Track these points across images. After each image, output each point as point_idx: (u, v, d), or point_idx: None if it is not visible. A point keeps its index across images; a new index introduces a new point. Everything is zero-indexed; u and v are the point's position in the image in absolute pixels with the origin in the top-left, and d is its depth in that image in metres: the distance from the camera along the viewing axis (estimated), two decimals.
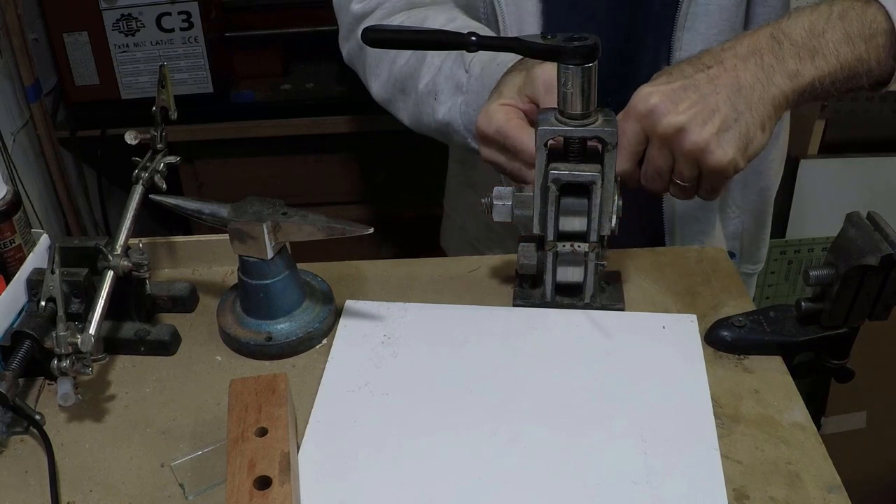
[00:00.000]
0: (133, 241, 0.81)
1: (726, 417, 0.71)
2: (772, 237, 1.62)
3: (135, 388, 0.77)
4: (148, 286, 0.84)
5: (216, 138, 1.73)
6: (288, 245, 0.79)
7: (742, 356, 0.77)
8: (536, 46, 0.71)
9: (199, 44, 1.64)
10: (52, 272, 0.74)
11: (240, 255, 0.78)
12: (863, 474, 1.74)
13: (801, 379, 0.76)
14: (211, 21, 1.65)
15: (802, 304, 0.76)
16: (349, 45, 1.04)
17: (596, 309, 0.83)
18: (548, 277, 0.82)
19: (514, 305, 0.84)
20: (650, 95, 0.73)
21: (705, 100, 0.72)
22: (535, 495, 0.65)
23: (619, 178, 0.76)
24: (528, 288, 0.85)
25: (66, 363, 0.69)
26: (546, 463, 0.67)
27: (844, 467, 0.66)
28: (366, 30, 0.76)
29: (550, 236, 0.78)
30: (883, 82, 0.77)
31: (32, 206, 1.64)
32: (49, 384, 0.78)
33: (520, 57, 0.81)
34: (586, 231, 0.78)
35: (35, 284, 0.81)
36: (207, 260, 0.92)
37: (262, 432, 0.65)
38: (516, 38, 0.72)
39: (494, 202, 0.79)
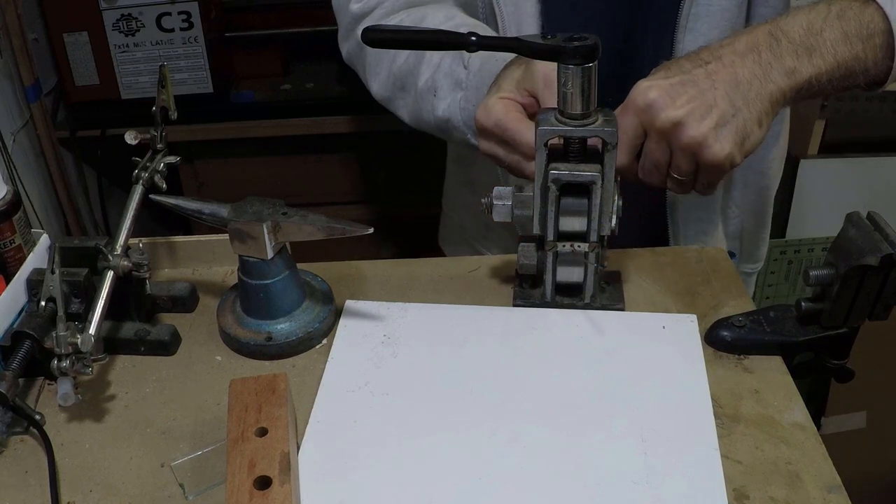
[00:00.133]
0: (133, 241, 0.81)
1: (726, 417, 0.71)
2: (772, 237, 1.62)
3: (135, 388, 0.77)
4: (148, 286, 0.84)
5: (216, 138, 1.72)
6: (288, 245, 0.79)
7: (742, 356, 0.77)
8: (536, 46, 0.71)
9: (199, 44, 1.64)
10: (52, 272, 0.74)
11: (240, 255, 0.78)
12: (863, 474, 1.74)
13: (801, 379, 0.76)
14: (211, 21, 1.65)
15: (802, 304, 0.76)
16: (349, 44, 1.04)
17: (596, 309, 0.83)
18: (548, 277, 0.82)
19: (514, 305, 0.84)
20: (648, 90, 0.73)
21: (703, 95, 0.73)
22: (535, 495, 0.65)
23: (619, 178, 0.76)
24: (528, 288, 0.85)
25: (66, 363, 0.69)
26: (546, 463, 0.67)
27: (844, 467, 0.66)
28: (366, 30, 0.76)
29: (550, 236, 0.78)
30: (879, 82, 0.78)
31: (32, 206, 1.64)
32: (49, 384, 0.78)
33: None
34: (586, 231, 0.78)
35: (35, 284, 0.81)
36: (207, 260, 0.92)
37: (262, 432, 0.65)
38: (516, 38, 0.72)
39: (494, 202, 0.79)
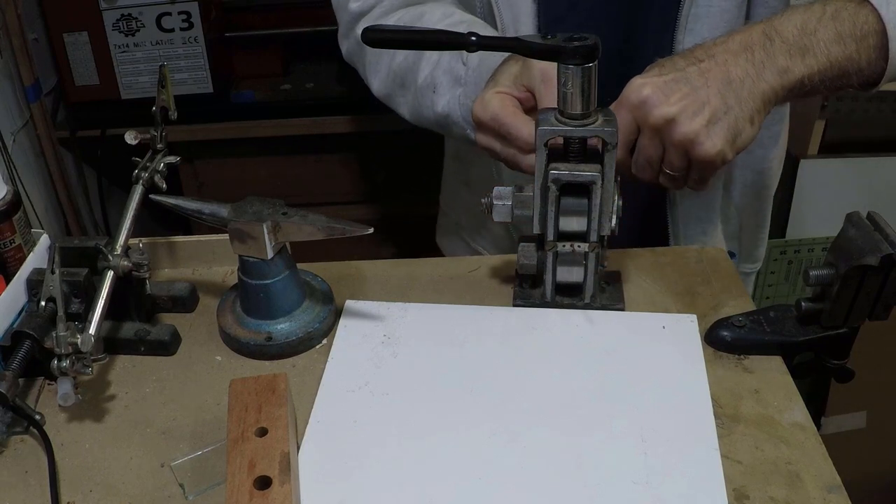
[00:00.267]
0: (133, 241, 0.81)
1: (726, 417, 0.71)
2: (772, 237, 1.62)
3: (135, 388, 0.77)
4: (148, 286, 0.84)
5: (216, 138, 1.72)
6: (288, 245, 0.79)
7: (742, 356, 0.77)
8: (536, 46, 0.72)
9: (199, 44, 1.64)
10: (52, 272, 0.74)
11: (240, 255, 0.78)
12: (863, 474, 1.74)
13: (801, 379, 0.76)
14: (211, 21, 1.65)
15: (802, 304, 0.76)
16: (348, 42, 1.04)
17: (596, 309, 0.83)
18: (548, 277, 0.82)
19: (514, 305, 0.84)
20: (642, 87, 0.74)
21: (696, 92, 0.73)
22: (535, 495, 0.65)
23: (619, 178, 0.76)
24: (528, 288, 0.85)
25: (66, 363, 0.69)
26: (546, 463, 0.67)
27: (844, 467, 0.66)
28: (365, 30, 0.77)
29: (550, 236, 0.79)
30: (873, 82, 0.79)
31: (32, 206, 1.64)
32: (49, 384, 0.78)
33: None
34: (586, 231, 0.78)
35: (35, 284, 0.81)
36: (207, 260, 0.92)
37: (262, 432, 0.65)
38: (516, 38, 0.73)
39: (494, 202, 0.79)
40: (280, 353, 0.79)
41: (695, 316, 0.81)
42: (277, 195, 0.78)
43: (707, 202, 1.02)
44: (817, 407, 0.76)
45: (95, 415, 0.74)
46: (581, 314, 0.82)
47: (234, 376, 0.71)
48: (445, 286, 0.88)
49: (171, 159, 0.84)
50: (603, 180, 0.74)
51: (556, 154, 0.75)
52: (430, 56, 0.94)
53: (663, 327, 0.80)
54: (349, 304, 0.85)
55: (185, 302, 0.86)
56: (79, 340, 0.69)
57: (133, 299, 0.82)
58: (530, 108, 0.82)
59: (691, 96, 0.73)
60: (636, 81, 0.75)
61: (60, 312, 0.70)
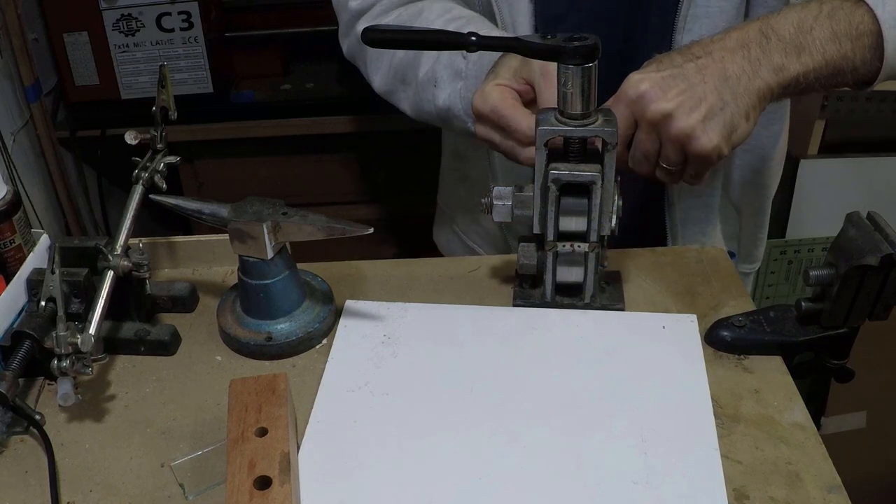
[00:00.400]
0: (133, 241, 0.81)
1: (726, 417, 0.71)
2: (772, 237, 1.62)
3: (135, 388, 0.77)
4: (148, 286, 0.84)
5: (216, 138, 1.72)
6: (288, 245, 0.79)
7: (742, 356, 0.77)
8: (536, 46, 0.72)
9: (199, 44, 1.64)
10: (52, 272, 0.74)
11: (240, 255, 0.78)
12: (863, 474, 1.74)
13: (801, 379, 0.76)
14: (211, 21, 1.65)
15: (802, 304, 0.76)
16: (349, 40, 1.04)
17: (596, 309, 0.83)
18: (548, 277, 0.82)
19: (514, 305, 0.84)
20: (640, 82, 0.75)
21: (693, 88, 0.74)
22: (535, 495, 0.65)
23: (618, 178, 0.76)
24: (528, 288, 0.85)
25: (66, 363, 0.69)
26: (546, 463, 0.67)
27: (844, 467, 0.66)
28: (366, 30, 0.77)
29: (550, 236, 0.79)
30: (868, 81, 0.80)
31: (32, 206, 1.64)
32: (49, 384, 0.78)
33: None
34: (586, 231, 0.78)
35: (35, 284, 0.81)
36: (207, 260, 0.92)
37: (262, 432, 0.65)
38: (516, 38, 0.73)
39: (494, 202, 0.79)
40: (280, 353, 0.79)
41: (695, 316, 0.81)
42: (277, 195, 0.78)
43: (706, 203, 1.02)
44: (817, 407, 0.76)
45: (95, 415, 0.74)
46: (581, 314, 0.82)
47: (234, 376, 0.71)
48: (445, 286, 0.88)
49: (171, 159, 0.84)
50: (603, 180, 0.74)
51: (556, 154, 0.75)
52: (431, 51, 0.94)
53: (663, 327, 0.80)
54: (349, 304, 0.85)
55: (185, 302, 0.86)
56: (79, 340, 0.69)
57: (133, 299, 0.82)
58: (529, 100, 0.82)
59: (688, 92, 0.74)
60: (634, 77, 0.76)
61: (60, 312, 0.70)
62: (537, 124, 0.74)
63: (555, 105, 0.74)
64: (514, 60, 0.84)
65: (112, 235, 0.79)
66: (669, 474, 0.65)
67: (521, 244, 0.82)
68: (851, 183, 1.70)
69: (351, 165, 1.82)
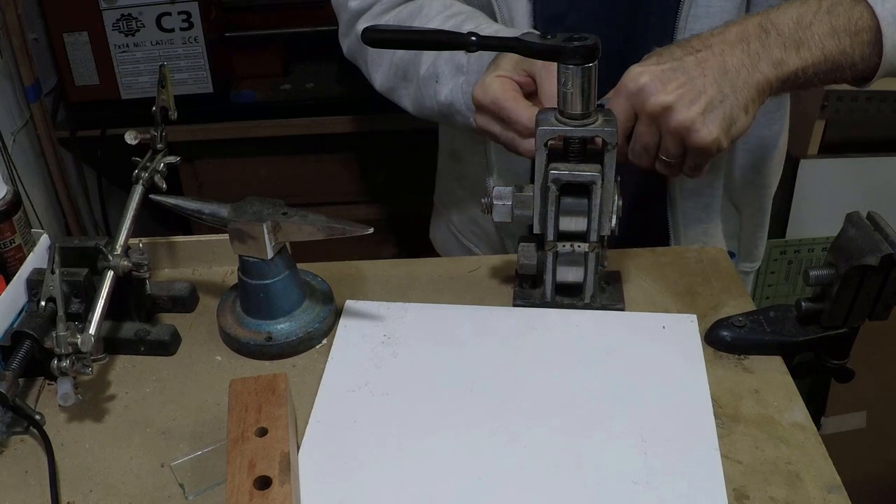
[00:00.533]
0: (133, 241, 0.81)
1: (726, 417, 0.71)
2: (772, 237, 1.62)
3: (135, 388, 0.77)
4: (148, 286, 0.84)
5: (216, 138, 1.72)
6: (288, 245, 0.79)
7: (742, 356, 0.77)
8: (536, 46, 0.72)
9: (199, 44, 1.64)
10: (52, 272, 0.74)
11: (240, 255, 0.78)
12: (863, 474, 1.74)
13: (801, 379, 0.76)
14: (211, 21, 1.65)
15: (802, 304, 0.76)
16: (349, 39, 1.05)
17: (596, 309, 0.83)
18: (548, 277, 0.82)
19: (514, 305, 0.84)
20: (640, 75, 0.75)
21: (693, 81, 0.75)
22: (535, 495, 0.65)
23: (619, 178, 0.76)
24: (528, 288, 0.85)
25: (66, 363, 0.69)
26: (546, 463, 0.67)
27: (844, 467, 0.66)
28: (366, 30, 0.77)
29: (550, 236, 0.79)
30: (866, 77, 0.80)
31: (32, 206, 1.64)
32: (49, 384, 0.78)
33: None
34: (586, 231, 0.78)
35: (35, 284, 0.81)
36: (207, 260, 0.92)
37: (262, 432, 0.65)
38: (516, 38, 0.73)
39: (494, 202, 0.79)
40: (280, 353, 0.79)
41: (695, 316, 0.81)
42: (277, 195, 0.78)
43: (707, 203, 1.02)
44: (817, 407, 0.76)
45: (95, 415, 0.74)
46: (581, 314, 0.82)
47: (234, 376, 0.71)
48: (445, 286, 0.88)
49: (171, 159, 0.84)
50: (603, 180, 0.74)
51: (556, 154, 0.75)
52: None
53: (663, 327, 0.80)
54: (349, 304, 0.85)
55: (185, 302, 0.86)
56: (79, 340, 0.69)
57: (133, 299, 0.82)
58: (530, 92, 0.83)
59: (688, 85, 0.75)
60: (634, 70, 0.76)
61: (60, 312, 0.70)
62: (537, 124, 0.74)
63: (555, 97, 0.74)
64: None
65: (112, 235, 0.79)
66: (669, 474, 0.65)
67: (521, 244, 0.82)
68: (851, 183, 1.70)
69: (351, 165, 1.82)
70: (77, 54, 1.63)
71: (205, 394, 0.76)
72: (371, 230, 0.75)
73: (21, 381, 0.74)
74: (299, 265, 0.83)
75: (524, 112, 0.79)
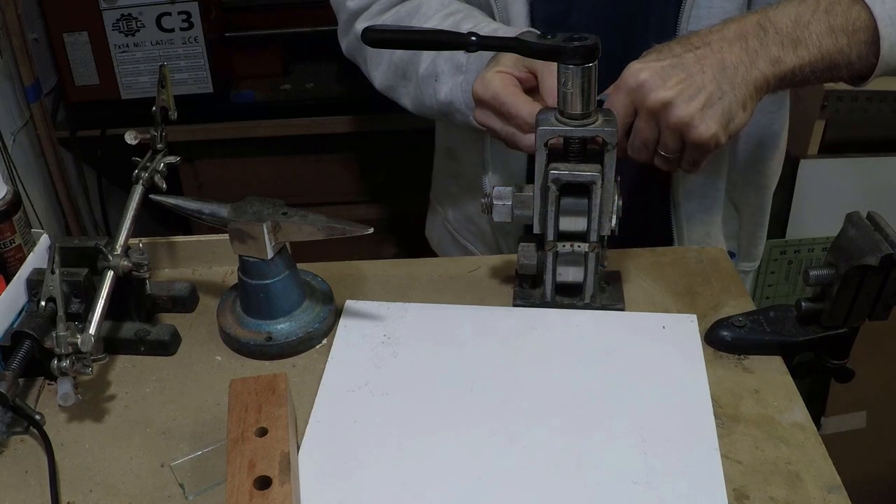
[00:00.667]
0: (133, 241, 0.81)
1: (726, 417, 0.71)
2: (772, 237, 1.62)
3: (135, 388, 0.77)
4: (148, 286, 0.84)
5: (216, 138, 1.72)
6: (288, 245, 0.79)
7: (742, 356, 0.77)
8: (536, 46, 0.72)
9: (199, 44, 1.64)
10: (52, 272, 0.74)
11: (240, 255, 0.78)
12: (863, 474, 1.74)
13: (801, 379, 0.76)
14: (211, 21, 1.65)
15: (802, 304, 0.76)
16: (348, 38, 1.05)
17: (596, 309, 0.83)
18: (548, 277, 0.82)
19: (514, 305, 0.84)
20: (640, 71, 0.76)
21: (692, 78, 0.75)
22: (535, 495, 0.65)
23: (619, 178, 0.77)
24: (528, 288, 0.85)
25: (66, 363, 0.69)
26: (546, 463, 0.67)
27: (844, 467, 0.66)
28: (366, 30, 0.77)
29: (550, 236, 0.79)
30: (863, 76, 0.81)
31: (32, 206, 1.64)
32: (49, 384, 0.78)
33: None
34: (586, 231, 0.78)
35: (35, 284, 0.81)
36: (207, 260, 0.92)
37: (262, 432, 0.65)
38: (516, 38, 0.73)
39: (494, 202, 0.79)
40: (280, 353, 0.79)
41: (695, 316, 0.81)
42: (277, 195, 0.78)
43: (709, 205, 1.02)
44: (817, 407, 0.76)
45: (95, 415, 0.74)
46: (581, 314, 0.82)
47: (234, 376, 0.71)
48: (445, 286, 0.88)
49: (171, 159, 0.84)
50: (603, 180, 0.74)
51: (556, 154, 0.75)
52: None
53: (663, 327, 0.80)
54: (349, 304, 0.85)
55: (185, 302, 0.86)
56: (79, 340, 0.69)
57: (133, 299, 0.82)
58: (530, 88, 0.83)
59: (687, 81, 0.75)
60: (634, 66, 0.77)
61: (60, 312, 0.70)
62: (537, 124, 0.74)
63: (556, 92, 0.74)
64: None
65: (112, 235, 0.79)
66: (669, 474, 0.65)
67: (521, 244, 0.82)
68: (851, 183, 1.70)
69: (351, 165, 1.82)
70: (77, 54, 1.63)
71: (205, 394, 0.76)
72: (371, 230, 0.75)
73: (21, 381, 0.74)
74: (299, 265, 0.83)
75: (525, 107, 0.79)
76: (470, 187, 1.10)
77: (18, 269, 0.81)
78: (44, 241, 0.85)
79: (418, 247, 1.28)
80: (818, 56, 0.77)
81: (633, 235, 0.88)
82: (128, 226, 0.79)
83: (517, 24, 0.93)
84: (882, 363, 1.60)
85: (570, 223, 0.78)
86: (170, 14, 1.61)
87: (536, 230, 0.79)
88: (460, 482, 0.66)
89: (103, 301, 0.74)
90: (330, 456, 0.68)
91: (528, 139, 0.80)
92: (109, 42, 1.62)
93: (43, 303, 0.75)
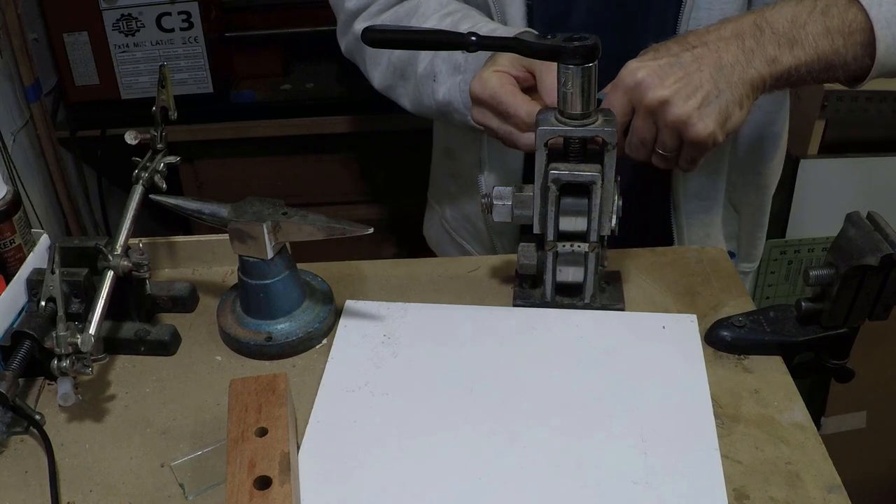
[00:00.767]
0: (133, 241, 0.81)
1: (726, 417, 0.71)
2: (772, 237, 1.62)
3: (135, 388, 0.77)
4: (148, 286, 0.84)
5: (216, 138, 1.72)
6: (288, 245, 0.79)
7: (742, 356, 0.77)
8: (536, 46, 0.72)
9: (199, 44, 1.64)
10: (52, 272, 0.74)
11: (240, 255, 0.78)
12: (863, 474, 1.74)
13: (801, 379, 0.76)
14: (211, 21, 1.65)
15: (802, 304, 0.76)
16: (347, 38, 1.05)
17: (596, 309, 0.83)
18: (548, 277, 0.82)
19: (514, 305, 0.84)
20: (638, 70, 0.76)
21: (689, 77, 0.76)
22: (535, 495, 0.65)
23: (618, 178, 0.77)
24: (528, 288, 0.85)
25: (66, 363, 0.69)
26: (546, 463, 0.67)
27: (844, 467, 0.67)
28: (366, 30, 0.77)
29: (550, 236, 0.79)
30: (859, 77, 0.82)
31: (32, 206, 1.64)
32: (49, 384, 0.78)
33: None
34: (586, 231, 0.78)
35: (35, 284, 0.81)
36: (207, 260, 0.92)
37: (262, 432, 0.65)
38: (516, 38, 0.73)
39: (494, 202, 0.79)
40: (280, 353, 0.79)
41: (695, 316, 0.81)
42: (277, 195, 0.78)
43: (710, 206, 1.03)
44: (817, 407, 0.76)
45: (95, 415, 0.74)
46: (581, 314, 0.82)
47: (234, 376, 0.71)
48: (445, 286, 0.88)
49: (171, 159, 0.84)
50: (603, 180, 0.74)
51: (556, 154, 0.75)
52: None
53: (663, 327, 0.80)
54: (349, 304, 0.85)
55: (185, 302, 0.86)
56: (79, 340, 0.69)
57: (133, 299, 0.82)
58: (527, 87, 0.83)
59: (685, 80, 0.75)
60: (632, 65, 0.77)
61: (60, 312, 0.70)
62: (537, 124, 0.74)
63: (555, 91, 0.74)
64: None
65: (112, 235, 0.79)
66: (669, 474, 0.65)
67: (521, 244, 0.82)
68: (851, 183, 1.70)
69: (351, 165, 1.82)
70: (77, 54, 1.63)
71: (205, 394, 0.76)
72: (371, 230, 0.75)
73: (21, 381, 0.74)
74: (299, 265, 0.83)
75: (523, 106, 0.80)
76: (468, 186, 1.10)
77: (18, 269, 0.81)
78: (44, 241, 0.85)
79: (418, 247, 1.28)
80: (814, 56, 0.78)
81: (633, 235, 0.88)
82: (128, 226, 0.79)
83: (515, 25, 0.93)
84: (882, 363, 1.60)
85: (570, 223, 0.78)
86: (170, 14, 1.61)
87: (536, 230, 0.79)
88: (460, 482, 0.66)
89: (103, 301, 0.74)
90: (330, 456, 0.68)
91: (527, 138, 0.80)
92: (109, 42, 1.62)
93: (43, 303, 0.75)
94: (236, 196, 0.79)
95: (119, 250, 0.77)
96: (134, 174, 0.81)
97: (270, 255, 0.77)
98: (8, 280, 0.81)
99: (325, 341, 0.81)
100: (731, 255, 1.09)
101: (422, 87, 0.96)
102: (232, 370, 0.78)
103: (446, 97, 0.93)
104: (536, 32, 0.76)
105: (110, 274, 0.76)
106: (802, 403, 0.72)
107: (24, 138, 1.67)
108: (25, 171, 1.65)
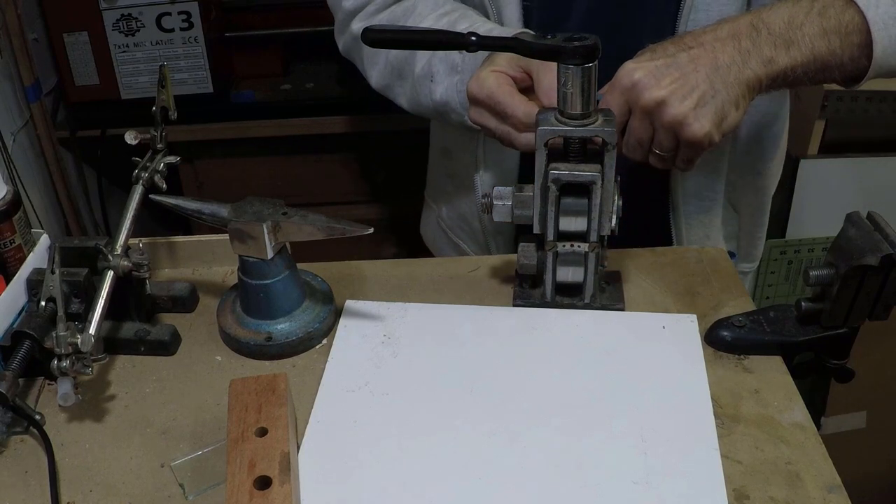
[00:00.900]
0: (133, 241, 0.81)
1: (726, 417, 0.71)
2: (772, 237, 1.62)
3: (135, 388, 0.77)
4: (148, 286, 0.84)
5: (216, 138, 1.72)
6: (288, 245, 0.79)
7: (742, 356, 0.77)
8: (536, 46, 0.73)
9: (199, 44, 1.64)
10: (52, 272, 0.74)
11: (240, 255, 0.78)
12: (863, 474, 1.74)
13: (801, 379, 0.76)
14: (211, 21, 1.65)
15: (802, 304, 0.76)
16: (344, 37, 1.05)
17: (596, 309, 0.83)
18: (548, 277, 0.82)
19: (514, 305, 0.84)
20: (634, 70, 0.77)
21: (686, 77, 0.76)
22: (535, 495, 0.65)
23: (618, 178, 0.77)
24: (528, 288, 0.85)
25: (66, 363, 0.69)
26: (546, 463, 0.67)
27: (844, 467, 0.67)
28: (366, 30, 0.77)
29: (550, 236, 0.79)
30: (856, 78, 0.82)
31: (32, 206, 1.64)
32: (49, 384, 0.78)
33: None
34: (586, 231, 0.78)
35: (35, 284, 0.81)
36: (207, 260, 0.92)
37: (262, 432, 0.65)
38: (515, 38, 0.74)
39: (494, 202, 0.79)
40: (280, 353, 0.79)
41: (695, 316, 0.81)
42: (277, 195, 0.78)
43: (709, 206, 1.03)
44: (817, 407, 0.76)
45: (95, 415, 0.74)
46: (581, 314, 0.82)
47: (234, 376, 0.71)
48: (445, 286, 0.88)
49: (171, 159, 0.84)
50: (603, 180, 0.74)
51: (556, 154, 0.75)
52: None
53: (663, 327, 0.80)
54: (349, 304, 0.85)
55: (185, 302, 0.86)
56: (79, 340, 0.69)
57: (133, 299, 0.82)
58: (525, 88, 0.83)
59: (681, 80, 0.76)
60: (628, 65, 0.77)
61: (60, 312, 0.70)
62: (537, 124, 0.74)
63: (552, 91, 0.74)
64: None
65: (112, 235, 0.79)
66: (669, 474, 0.65)
67: (521, 244, 0.82)
68: (851, 183, 1.70)
69: (351, 165, 1.82)
70: (77, 54, 1.63)
71: (205, 394, 0.76)
72: (371, 230, 0.75)
73: (21, 381, 0.74)
74: (299, 265, 0.83)
75: (520, 106, 0.80)
76: (464, 186, 1.10)
77: (18, 269, 0.81)
78: (44, 241, 0.85)
79: (418, 247, 1.28)
80: (810, 57, 0.78)
81: (632, 235, 0.88)
82: (128, 226, 0.79)
83: (511, 26, 0.93)
84: (882, 363, 1.60)
85: (570, 223, 0.78)
86: (170, 14, 1.61)
87: (536, 230, 0.79)
88: (460, 482, 0.66)
89: (103, 301, 0.74)
90: (330, 456, 0.68)
91: (524, 138, 0.80)
92: (109, 42, 1.62)
93: (43, 303, 0.75)
94: (236, 196, 0.79)
95: (119, 250, 0.77)
96: (134, 174, 0.81)
97: (270, 255, 0.77)
98: (8, 280, 0.81)
99: (325, 341, 0.81)
100: (731, 255, 1.09)
101: (419, 87, 0.96)
102: (232, 370, 0.78)
103: (443, 97, 0.93)
104: (533, 33, 0.76)
105: (110, 274, 0.76)
106: (802, 403, 0.72)
107: (24, 138, 1.67)
108: (25, 171, 1.65)
